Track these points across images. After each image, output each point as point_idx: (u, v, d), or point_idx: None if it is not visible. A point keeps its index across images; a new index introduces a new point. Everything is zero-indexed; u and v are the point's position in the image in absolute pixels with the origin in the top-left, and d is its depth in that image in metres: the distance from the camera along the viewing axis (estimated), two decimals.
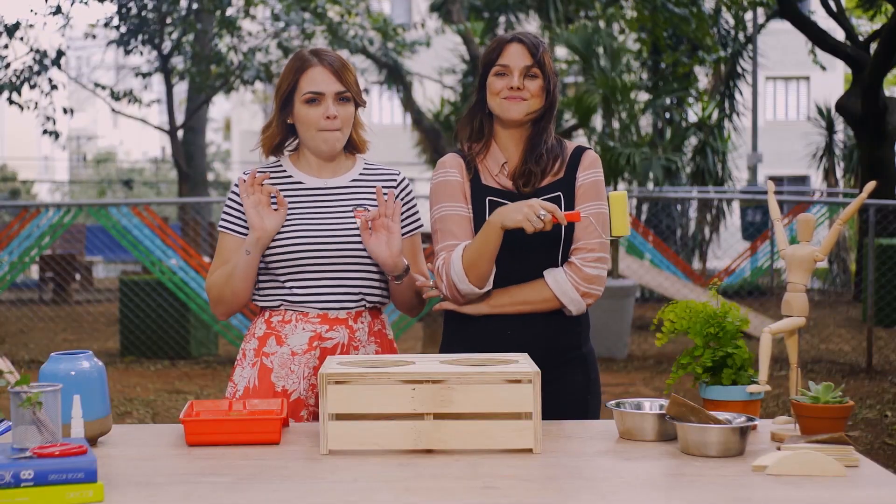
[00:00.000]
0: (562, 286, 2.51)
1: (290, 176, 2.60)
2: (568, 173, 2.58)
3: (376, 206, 2.57)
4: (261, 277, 2.57)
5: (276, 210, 2.49)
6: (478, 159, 2.60)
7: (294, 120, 2.57)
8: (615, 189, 10.94)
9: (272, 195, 2.50)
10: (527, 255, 2.53)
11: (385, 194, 2.54)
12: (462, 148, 2.65)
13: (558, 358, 2.57)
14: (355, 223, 2.53)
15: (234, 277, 2.51)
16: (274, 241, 2.51)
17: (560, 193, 2.56)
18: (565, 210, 2.53)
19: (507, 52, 2.55)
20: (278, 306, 2.55)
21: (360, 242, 2.52)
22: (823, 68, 15.75)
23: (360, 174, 2.64)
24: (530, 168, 2.55)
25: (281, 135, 2.60)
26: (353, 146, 2.66)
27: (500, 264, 2.50)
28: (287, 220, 2.53)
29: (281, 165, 2.63)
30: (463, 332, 2.58)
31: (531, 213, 2.32)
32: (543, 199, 2.49)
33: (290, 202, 2.55)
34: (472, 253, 2.45)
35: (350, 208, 2.57)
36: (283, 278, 2.53)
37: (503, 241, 2.43)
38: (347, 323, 2.53)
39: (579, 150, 2.62)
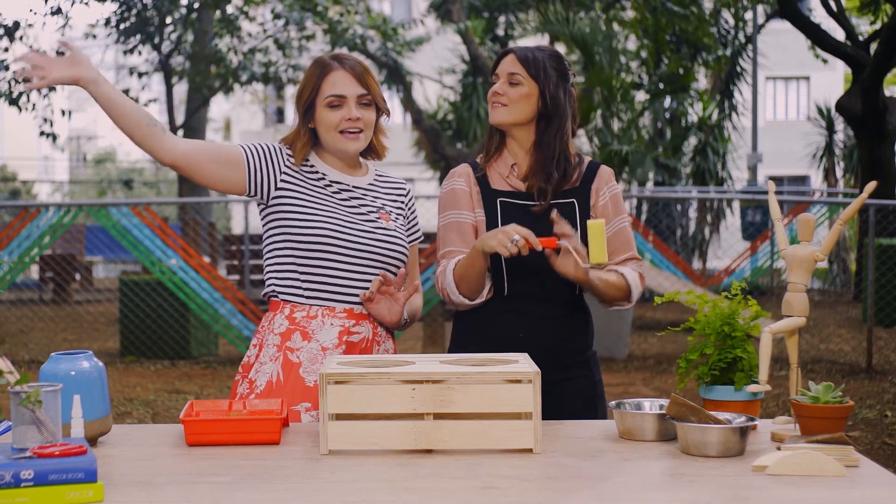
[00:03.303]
0: (631, 275, 2.62)
1: (318, 171, 2.61)
2: (583, 184, 2.66)
3: (396, 210, 2.65)
4: (280, 269, 2.56)
5: None
6: (488, 166, 2.67)
7: (315, 124, 2.58)
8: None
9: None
10: (542, 274, 2.57)
11: (396, 274, 2.58)
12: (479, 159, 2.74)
13: (568, 360, 2.63)
14: (381, 223, 2.58)
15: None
16: (303, 230, 2.51)
17: (574, 200, 2.64)
18: (581, 216, 2.61)
19: (502, 63, 2.65)
20: (303, 303, 2.53)
21: (385, 241, 2.56)
22: (825, 62, 15.74)
23: (375, 179, 2.69)
24: (541, 186, 2.62)
25: (308, 143, 2.61)
26: (373, 151, 2.68)
27: (516, 282, 2.59)
28: (317, 211, 2.53)
29: (308, 160, 2.64)
30: (476, 332, 2.63)
31: (505, 239, 2.39)
32: (558, 203, 2.60)
33: (317, 194, 2.56)
34: (461, 269, 2.55)
35: (374, 209, 2.60)
36: (307, 268, 2.51)
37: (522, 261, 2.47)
38: (371, 319, 2.56)
39: (596, 164, 2.72)
